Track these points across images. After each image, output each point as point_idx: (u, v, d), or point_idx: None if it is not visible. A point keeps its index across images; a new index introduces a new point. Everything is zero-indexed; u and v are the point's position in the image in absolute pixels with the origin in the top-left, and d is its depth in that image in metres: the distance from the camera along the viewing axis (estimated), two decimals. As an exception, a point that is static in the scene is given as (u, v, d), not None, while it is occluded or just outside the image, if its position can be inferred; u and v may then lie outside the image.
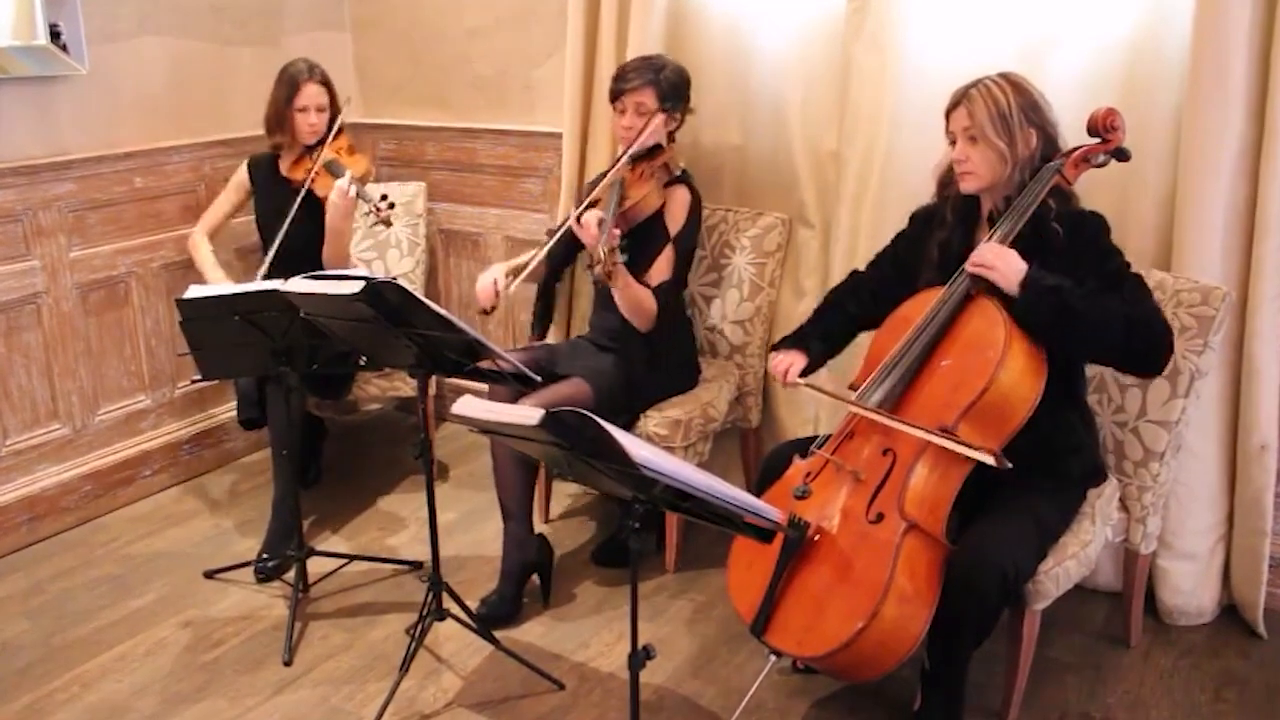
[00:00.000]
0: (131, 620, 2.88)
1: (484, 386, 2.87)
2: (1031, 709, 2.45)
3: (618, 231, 2.70)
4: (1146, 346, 2.16)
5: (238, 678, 2.63)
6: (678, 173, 2.94)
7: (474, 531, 3.31)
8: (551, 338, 3.33)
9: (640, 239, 2.87)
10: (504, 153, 3.83)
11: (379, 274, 2.89)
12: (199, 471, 3.73)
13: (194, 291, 2.62)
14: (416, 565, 3.09)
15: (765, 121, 3.22)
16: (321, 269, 2.55)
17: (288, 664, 2.67)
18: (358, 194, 3.07)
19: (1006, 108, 2.22)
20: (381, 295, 2.24)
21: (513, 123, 3.79)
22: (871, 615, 2.03)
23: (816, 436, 2.43)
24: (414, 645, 2.52)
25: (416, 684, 2.58)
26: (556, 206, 3.57)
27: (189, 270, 3.56)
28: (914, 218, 2.53)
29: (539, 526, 3.15)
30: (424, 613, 2.56)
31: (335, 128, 3.23)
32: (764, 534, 1.96)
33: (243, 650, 2.74)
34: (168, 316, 3.57)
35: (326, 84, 3.22)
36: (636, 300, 2.81)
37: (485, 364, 2.43)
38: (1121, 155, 2.28)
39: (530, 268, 2.90)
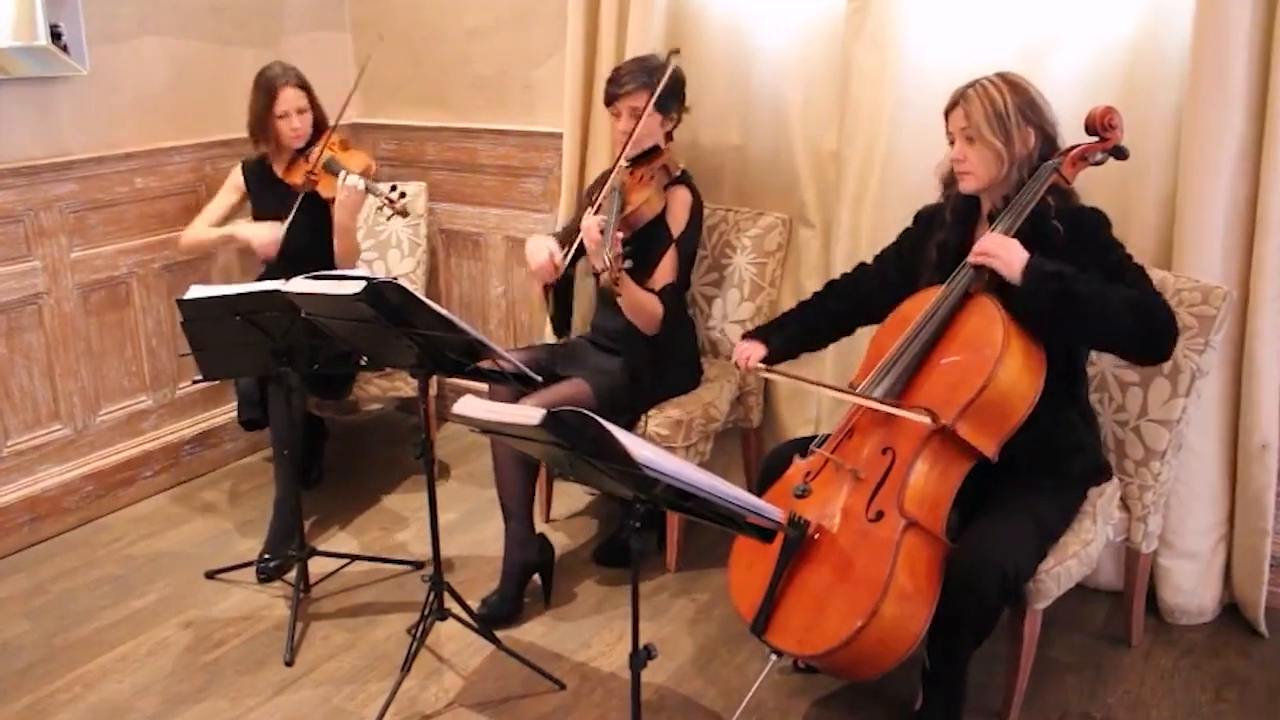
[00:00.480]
0: (133, 620, 2.88)
1: (485, 386, 2.88)
2: (1032, 708, 2.45)
3: (621, 236, 2.69)
4: (1150, 332, 2.14)
5: (239, 678, 2.63)
6: (677, 173, 2.94)
7: (475, 531, 3.31)
8: (553, 338, 3.32)
9: (643, 242, 2.86)
10: (504, 153, 3.83)
11: (380, 274, 2.90)
12: (200, 472, 3.73)
13: (195, 292, 2.62)
14: (418, 565, 3.09)
15: (766, 121, 3.22)
16: (323, 269, 2.55)
17: (289, 664, 2.67)
18: (367, 189, 3.07)
19: (1003, 107, 2.22)
20: (382, 295, 2.25)
21: (513, 123, 3.79)
22: (872, 613, 2.04)
23: (817, 436, 2.43)
24: (415, 645, 2.52)
25: (418, 684, 2.58)
26: (557, 207, 3.57)
27: (190, 270, 3.57)
28: (919, 217, 2.54)
29: (540, 526, 3.15)
30: (425, 612, 2.56)
31: (332, 127, 3.22)
32: (765, 533, 1.96)
33: (244, 650, 2.74)
34: (169, 317, 3.57)
35: (304, 86, 3.19)
36: (642, 305, 2.81)
37: (486, 364, 2.43)
38: (1120, 154, 2.27)
39: (576, 242, 2.85)
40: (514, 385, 2.50)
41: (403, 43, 3.98)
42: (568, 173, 3.43)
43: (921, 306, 2.30)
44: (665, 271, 2.88)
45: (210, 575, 3.07)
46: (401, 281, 2.26)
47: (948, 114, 2.32)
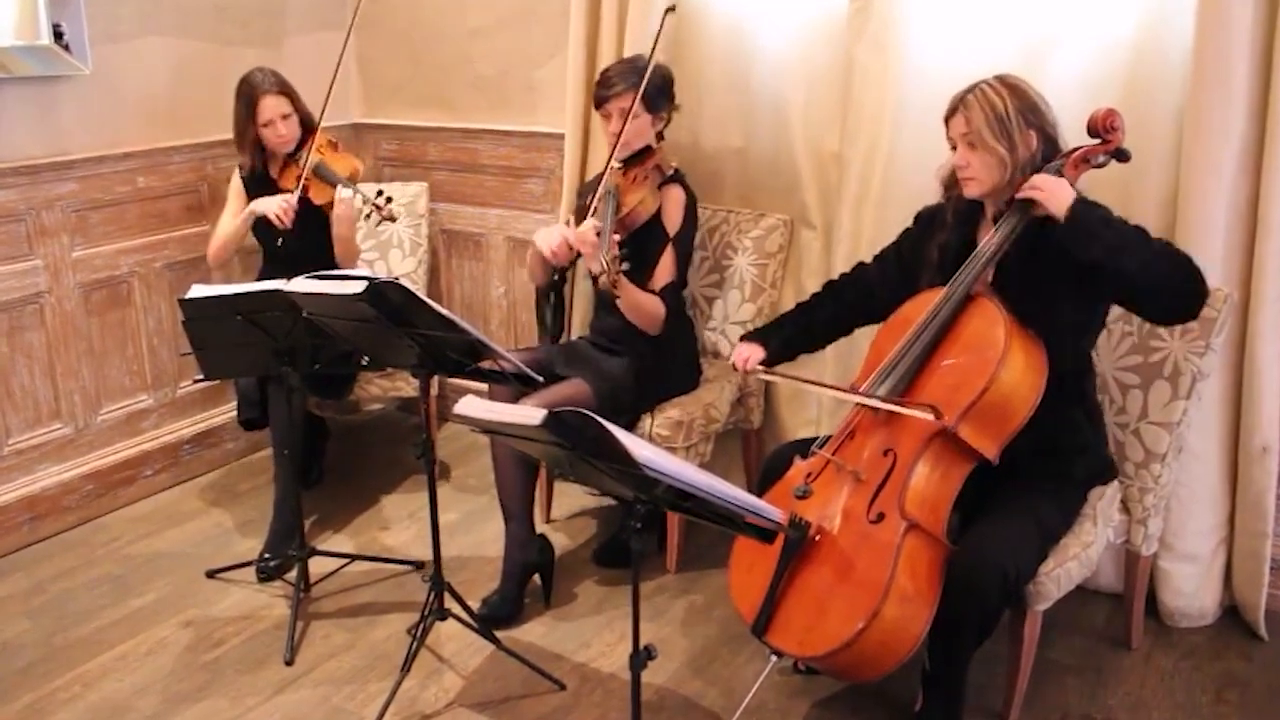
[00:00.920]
0: (133, 620, 2.88)
1: (485, 386, 2.87)
2: (1032, 710, 2.45)
3: (617, 238, 2.69)
4: (1186, 285, 2.10)
5: (239, 677, 2.63)
6: (670, 172, 2.93)
7: (475, 532, 3.31)
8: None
9: (639, 242, 2.86)
10: (506, 153, 3.83)
11: (381, 274, 2.90)
12: (200, 471, 3.73)
13: (196, 291, 2.63)
14: (418, 565, 3.09)
15: (767, 123, 3.22)
16: (322, 270, 2.56)
17: (289, 664, 2.67)
18: (359, 197, 3.08)
19: (1004, 111, 2.22)
20: (384, 295, 2.25)
21: (514, 123, 3.79)
22: (872, 615, 2.04)
23: (818, 437, 2.43)
24: (415, 645, 2.52)
25: (418, 684, 2.58)
26: (559, 207, 3.57)
27: (191, 270, 3.57)
28: (919, 217, 2.53)
29: (540, 527, 3.15)
30: (425, 613, 2.56)
31: (317, 129, 3.20)
32: (765, 534, 1.96)
33: (244, 650, 2.74)
34: (170, 316, 3.57)
35: (285, 91, 3.17)
36: (642, 305, 2.81)
37: (487, 364, 2.43)
38: (1121, 156, 2.27)
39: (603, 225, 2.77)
40: (514, 385, 2.50)
41: (404, 43, 3.98)
42: (569, 173, 3.43)
43: (923, 308, 2.30)
44: (664, 271, 2.88)
45: (210, 575, 3.07)
46: (403, 281, 2.26)
47: (948, 120, 2.31)
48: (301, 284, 2.38)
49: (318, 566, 2.99)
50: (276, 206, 3.09)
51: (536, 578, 2.91)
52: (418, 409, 2.93)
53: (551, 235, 2.83)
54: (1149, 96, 2.63)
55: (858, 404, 2.27)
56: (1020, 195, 2.21)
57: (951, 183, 2.40)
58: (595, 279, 2.63)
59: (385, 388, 3.47)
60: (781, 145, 3.20)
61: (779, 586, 2.17)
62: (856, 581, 2.10)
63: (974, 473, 2.21)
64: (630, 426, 2.86)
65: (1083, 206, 2.12)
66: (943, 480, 2.19)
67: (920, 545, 2.11)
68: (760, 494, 2.35)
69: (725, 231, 3.26)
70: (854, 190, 3.03)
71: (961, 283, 2.26)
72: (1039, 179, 2.18)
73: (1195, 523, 2.74)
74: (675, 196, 2.91)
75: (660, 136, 2.99)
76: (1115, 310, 2.37)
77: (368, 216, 3.10)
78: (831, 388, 2.29)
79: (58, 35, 3.15)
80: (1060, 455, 2.31)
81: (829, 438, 2.38)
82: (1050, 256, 2.18)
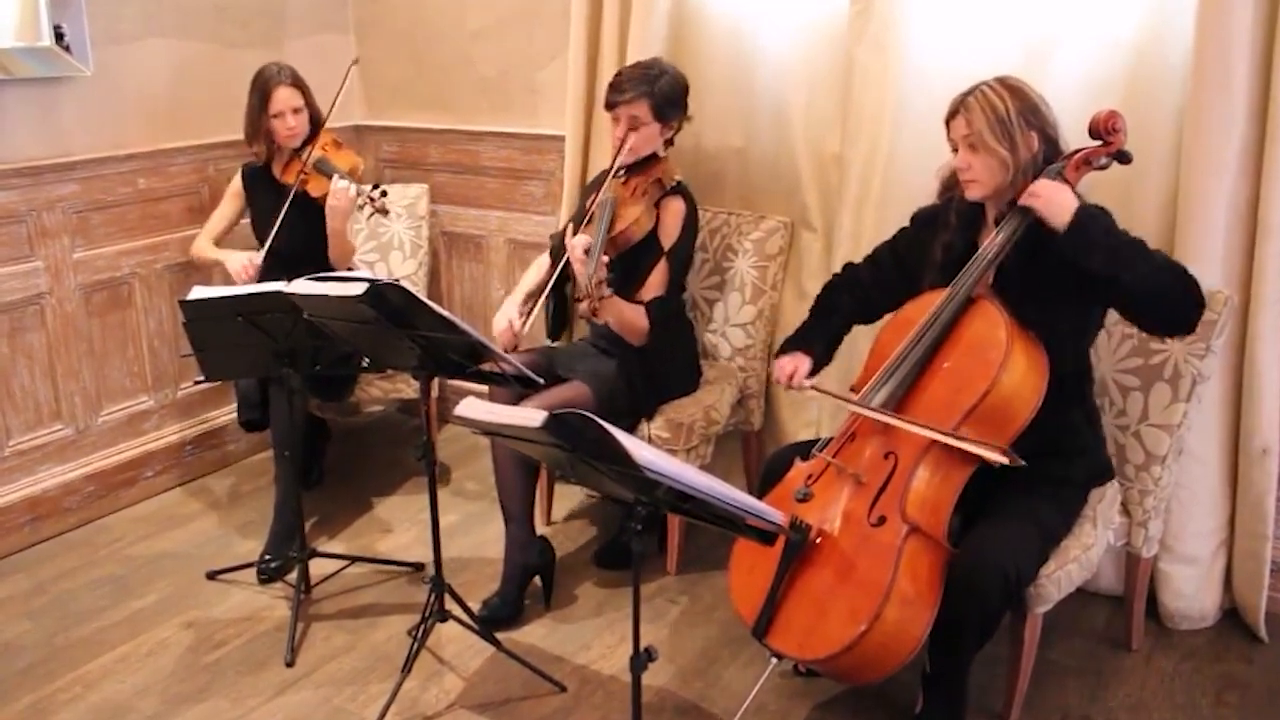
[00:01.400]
0: (133, 621, 2.88)
1: (486, 388, 2.88)
2: (1033, 712, 2.45)
3: (606, 259, 2.65)
4: (1184, 298, 2.11)
5: (240, 678, 2.63)
6: (672, 185, 2.90)
7: (476, 533, 3.31)
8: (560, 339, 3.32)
9: (633, 256, 2.85)
10: (507, 155, 3.83)
11: (382, 275, 2.90)
12: (201, 472, 3.74)
13: (197, 293, 2.63)
14: (418, 567, 3.09)
15: (768, 124, 3.22)
16: (321, 269, 2.56)
17: (290, 665, 2.67)
18: (355, 190, 3.08)
19: (1005, 113, 2.22)
20: (384, 297, 2.25)
21: (516, 125, 3.79)
22: (873, 618, 2.04)
23: (818, 439, 2.43)
24: (416, 646, 2.52)
25: (418, 685, 2.58)
26: (559, 209, 3.57)
27: (192, 271, 3.57)
28: (915, 218, 2.53)
29: (540, 528, 3.15)
30: (426, 614, 2.57)
31: (323, 125, 3.21)
32: (765, 536, 1.96)
33: (245, 651, 2.74)
34: (171, 317, 3.57)
35: (299, 85, 3.20)
36: (630, 321, 2.81)
37: (487, 366, 2.43)
38: (1123, 158, 2.27)
39: (540, 301, 2.89)
40: (515, 387, 2.50)
41: (405, 44, 3.98)
42: (570, 175, 3.43)
43: (924, 310, 2.30)
44: (654, 284, 2.86)
45: (211, 576, 3.07)
46: (403, 283, 2.26)
47: (948, 122, 2.31)
48: (302, 285, 2.38)
49: (318, 568, 2.99)
50: (239, 265, 3.17)
51: (537, 579, 2.91)
52: (418, 411, 2.93)
53: (499, 320, 2.95)
54: (1150, 97, 2.63)
55: (931, 438, 2.16)
56: (1021, 203, 2.20)
57: (951, 183, 2.40)
58: (577, 300, 2.61)
59: (386, 389, 3.47)
60: (782, 147, 3.20)
61: (780, 589, 2.17)
62: (857, 584, 2.10)
63: (975, 475, 2.21)
64: (630, 428, 2.86)
65: (1084, 216, 2.11)
66: (944, 483, 2.19)
67: (921, 548, 2.12)
68: (761, 496, 2.35)
69: (726, 234, 3.26)
70: (855, 192, 3.03)
71: (963, 285, 2.26)
72: (1040, 186, 2.17)
73: (1195, 525, 2.74)
74: (675, 209, 2.89)
75: (669, 143, 2.97)
76: (1114, 313, 2.37)
77: (361, 208, 3.10)
78: (885, 414, 2.19)
79: (59, 36, 3.15)
80: (1060, 457, 2.31)
81: (830, 440, 2.38)
82: (1050, 260, 2.18)
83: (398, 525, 3.39)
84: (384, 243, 3.77)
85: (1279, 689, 2.56)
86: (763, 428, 3.33)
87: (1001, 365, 2.14)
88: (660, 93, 2.83)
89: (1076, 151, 2.25)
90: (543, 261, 3.13)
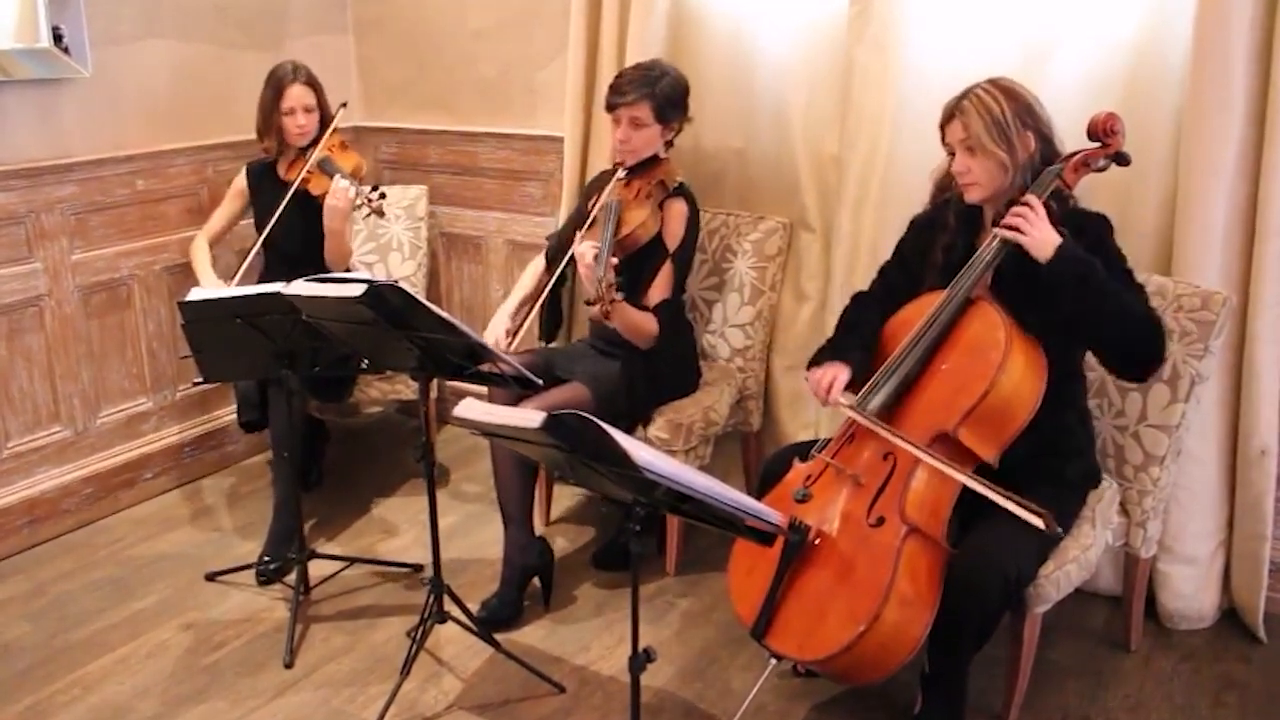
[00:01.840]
0: (133, 622, 2.88)
1: (485, 389, 2.88)
2: (1032, 712, 2.45)
3: (615, 261, 2.64)
4: (1150, 350, 2.17)
5: (239, 680, 2.63)
6: (674, 186, 2.90)
7: (475, 534, 3.31)
8: (558, 340, 3.32)
9: (639, 256, 2.85)
10: (506, 156, 3.84)
11: (380, 277, 2.90)
12: (200, 474, 3.73)
13: (196, 294, 2.63)
14: (417, 568, 3.09)
15: (767, 125, 3.22)
16: (322, 270, 2.56)
17: (289, 666, 2.67)
18: (352, 188, 3.08)
19: (1001, 115, 2.22)
20: (383, 298, 2.25)
21: (515, 126, 3.79)
22: (873, 619, 2.04)
23: (817, 440, 2.43)
24: (415, 648, 2.52)
25: (417, 686, 2.58)
26: (558, 210, 3.57)
27: (191, 273, 3.56)
28: (914, 223, 2.53)
29: (539, 529, 3.15)
30: (425, 615, 2.56)
31: (331, 127, 3.23)
32: (765, 537, 1.97)
33: (244, 652, 2.74)
34: (169, 319, 3.57)
35: (312, 84, 3.22)
36: (638, 325, 2.81)
37: (486, 367, 2.43)
38: (1121, 160, 2.27)
39: (535, 309, 2.89)
40: (514, 388, 2.50)
41: (405, 46, 3.98)
42: (569, 176, 3.43)
43: (922, 312, 2.30)
44: (661, 287, 2.87)
45: (210, 577, 3.07)
46: (402, 284, 2.26)
47: (944, 126, 2.31)
48: (301, 287, 2.38)
49: (317, 569, 2.99)
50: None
51: (536, 580, 2.91)
52: (417, 412, 2.92)
53: (491, 331, 2.93)
54: (1148, 99, 2.63)
55: (978, 491, 2.13)
56: (1004, 235, 2.19)
57: (945, 185, 2.40)
58: (588, 303, 2.61)
59: (385, 390, 3.47)
60: (781, 147, 3.20)
61: (779, 590, 2.17)
62: (856, 585, 2.10)
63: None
64: (629, 429, 2.86)
65: (1059, 264, 2.12)
66: (943, 484, 2.19)
67: (920, 549, 2.12)
68: (759, 497, 2.35)
69: (725, 234, 3.26)
70: (853, 193, 3.03)
71: (961, 287, 2.26)
72: (1025, 219, 2.16)
73: (1194, 525, 2.75)
74: (678, 211, 2.89)
75: (670, 145, 2.97)
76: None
77: (358, 208, 3.10)
78: (934, 456, 2.14)
79: (57, 38, 3.15)
80: (1057, 457, 2.32)
81: (828, 441, 2.38)
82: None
83: (396, 526, 3.39)
84: (383, 244, 3.77)
85: (1277, 689, 2.57)
86: (761, 428, 3.33)
87: (1000, 366, 2.14)
88: (661, 94, 2.83)
89: (1075, 153, 2.26)
90: (538, 264, 3.14)
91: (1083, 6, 2.69)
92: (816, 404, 3.24)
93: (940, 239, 2.41)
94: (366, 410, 3.70)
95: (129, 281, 3.48)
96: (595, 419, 1.71)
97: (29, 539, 3.28)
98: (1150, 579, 2.75)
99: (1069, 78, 2.69)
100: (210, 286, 3.22)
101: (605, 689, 2.58)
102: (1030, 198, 2.19)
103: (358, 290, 2.22)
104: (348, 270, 3.25)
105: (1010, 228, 2.18)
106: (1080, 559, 2.29)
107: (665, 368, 2.95)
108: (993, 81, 2.26)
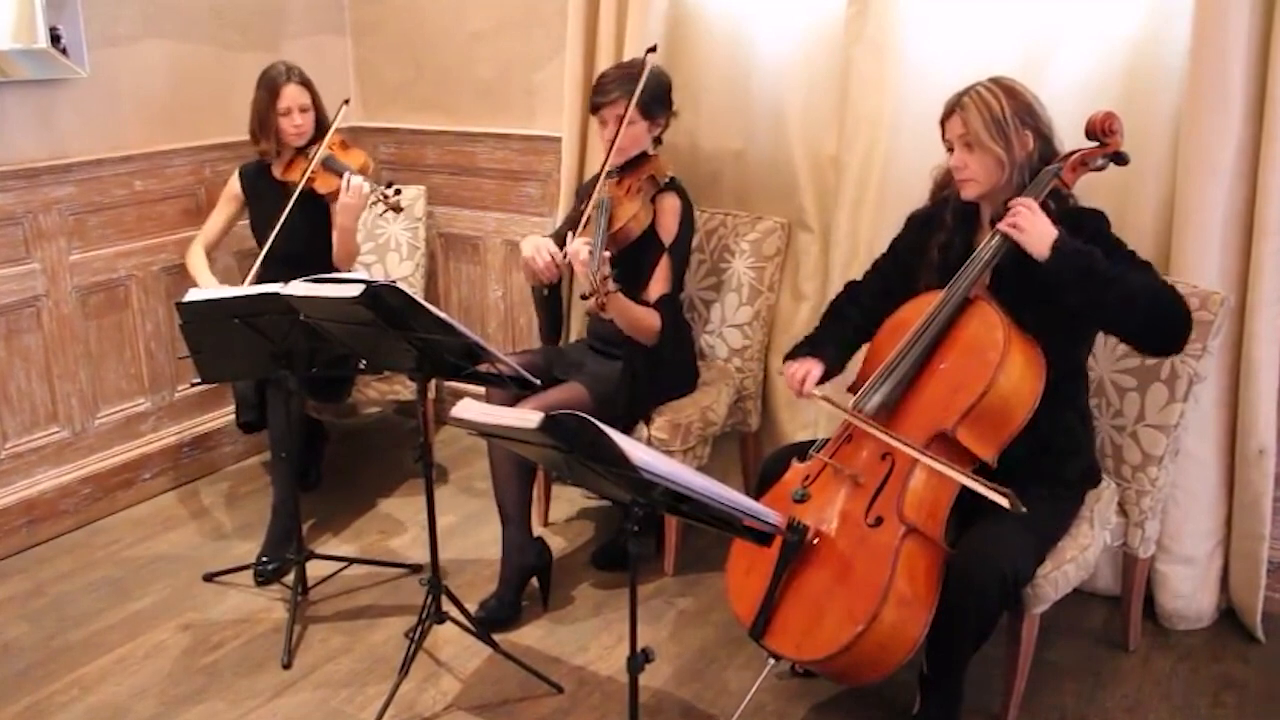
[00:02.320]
0: (131, 623, 2.88)
1: (483, 390, 2.87)
2: (1030, 712, 2.45)
3: (608, 255, 2.65)
4: (1169, 323, 2.13)
5: (237, 680, 2.63)
6: (665, 181, 2.89)
7: (473, 535, 3.31)
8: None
9: (634, 252, 2.85)
10: (504, 156, 3.84)
11: (379, 277, 2.90)
12: (198, 474, 3.73)
13: (194, 295, 2.63)
14: (416, 568, 3.09)
15: (765, 126, 3.22)
16: (322, 271, 2.56)
17: (287, 667, 2.67)
18: (368, 185, 3.07)
19: (1000, 112, 2.22)
20: (381, 298, 2.25)
21: (513, 127, 3.79)
22: (871, 619, 2.04)
23: (815, 440, 2.43)
24: (413, 648, 2.52)
25: (416, 687, 2.58)
26: (556, 210, 3.57)
27: (189, 274, 3.56)
28: (911, 220, 2.53)
29: (538, 530, 3.15)
30: (423, 616, 2.56)
31: (333, 126, 3.22)
32: (763, 537, 1.96)
33: (242, 653, 2.74)
34: (167, 319, 3.57)
35: (306, 84, 3.21)
36: (638, 320, 2.80)
37: (484, 367, 2.43)
38: (1120, 159, 2.28)
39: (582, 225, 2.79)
40: (512, 389, 2.50)
41: (404, 46, 3.98)
42: (566, 177, 3.43)
43: (920, 311, 2.30)
44: (659, 282, 2.86)
45: (208, 578, 3.07)
46: (400, 285, 2.26)
47: (944, 122, 2.31)
48: (299, 287, 2.38)
49: (316, 570, 2.99)
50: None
51: (534, 581, 2.91)
52: (415, 412, 2.93)
53: (540, 252, 2.80)
54: (1147, 99, 2.63)
55: (945, 473, 2.16)
56: (1002, 231, 2.19)
57: (945, 183, 2.40)
58: (583, 297, 2.61)
59: (383, 391, 3.47)
60: (779, 148, 3.20)
61: (777, 590, 2.17)
62: (854, 585, 2.10)
63: (972, 476, 2.21)
64: (627, 430, 2.86)
65: (1060, 258, 2.12)
66: (942, 484, 2.19)
67: (918, 549, 2.12)
68: (758, 497, 2.35)
69: (722, 234, 3.26)
70: (851, 193, 3.03)
71: (959, 286, 2.26)
72: (1023, 215, 2.16)
73: (1192, 525, 2.75)
74: (671, 205, 2.89)
75: (658, 141, 2.98)
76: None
77: (374, 204, 3.09)
78: (904, 443, 2.15)
79: (55, 39, 3.15)
80: (1056, 457, 2.32)
81: (827, 441, 2.38)
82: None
83: (395, 527, 3.39)
84: (381, 244, 3.77)
85: (1276, 689, 2.57)
86: (760, 428, 3.33)
87: (999, 366, 2.14)
88: (645, 91, 2.83)
89: (1073, 153, 2.26)
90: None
91: (1081, 6, 2.69)
92: (818, 405, 3.25)
93: (937, 237, 2.41)
94: (365, 410, 3.70)
95: (127, 282, 3.48)
96: (593, 419, 1.71)
97: (27, 539, 3.28)
98: (1148, 579, 2.75)
99: (1067, 78, 2.69)
100: (205, 285, 3.22)
101: (603, 689, 2.58)
102: (1027, 198, 2.19)
103: (356, 290, 2.22)
104: (352, 269, 3.25)
105: (1008, 224, 2.18)
106: (1078, 559, 2.29)
107: (664, 368, 2.95)
108: (994, 80, 2.27)
